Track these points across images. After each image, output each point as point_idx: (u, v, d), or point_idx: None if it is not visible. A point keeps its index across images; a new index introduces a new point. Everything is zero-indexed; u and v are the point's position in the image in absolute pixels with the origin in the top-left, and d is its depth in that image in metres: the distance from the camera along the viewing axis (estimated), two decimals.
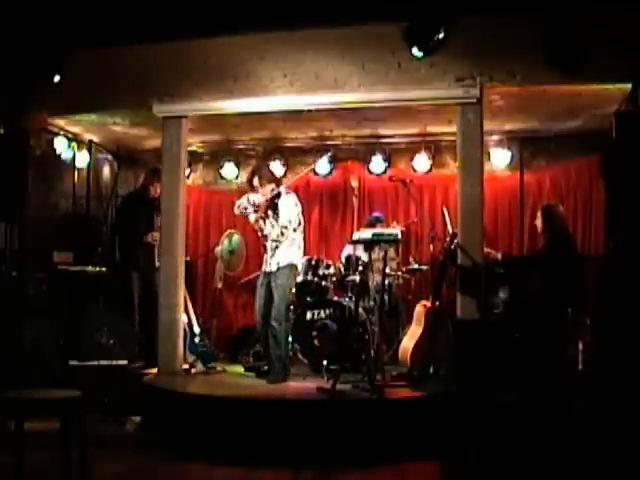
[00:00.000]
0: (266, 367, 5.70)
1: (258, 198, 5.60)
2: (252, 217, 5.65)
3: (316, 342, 5.78)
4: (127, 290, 6.33)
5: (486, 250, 5.44)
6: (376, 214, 6.71)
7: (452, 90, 5.28)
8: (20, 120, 5.78)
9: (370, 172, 7.24)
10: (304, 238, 5.81)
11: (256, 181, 5.61)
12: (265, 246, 5.61)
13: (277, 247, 5.48)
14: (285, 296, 5.46)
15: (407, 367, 5.38)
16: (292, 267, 5.52)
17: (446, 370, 5.06)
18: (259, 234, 5.67)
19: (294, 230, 5.50)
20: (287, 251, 5.49)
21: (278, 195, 5.54)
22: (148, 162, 7.34)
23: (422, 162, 7.06)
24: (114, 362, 5.52)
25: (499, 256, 5.50)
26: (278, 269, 5.44)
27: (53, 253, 6.18)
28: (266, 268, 5.55)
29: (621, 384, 4.04)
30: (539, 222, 5.46)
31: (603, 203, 5.58)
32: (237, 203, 5.76)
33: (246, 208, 5.68)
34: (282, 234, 5.45)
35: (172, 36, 5.51)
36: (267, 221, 5.53)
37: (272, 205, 5.51)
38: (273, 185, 5.58)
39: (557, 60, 4.66)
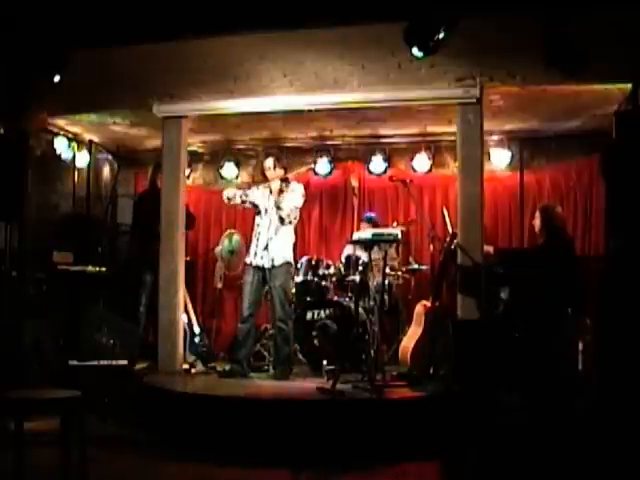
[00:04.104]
0: (266, 367, 5.72)
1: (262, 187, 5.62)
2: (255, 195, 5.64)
3: (316, 342, 5.78)
4: (138, 286, 6.36)
5: None
6: (368, 214, 6.70)
7: (452, 90, 5.28)
8: (20, 120, 5.78)
9: (370, 172, 7.24)
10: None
11: (270, 162, 5.55)
12: (256, 236, 5.56)
13: (271, 239, 5.46)
14: (287, 297, 5.50)
15: (407, 367, 5.38)
16: (289, 265, 5.53)
17: (446, 370, 5.06)
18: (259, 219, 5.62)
19: (290, 222, 5.50)
20: (282, 246, 5.48)
21: (287, 181, 5.56)
22: (148, 162, 7.34)
23: (422, 162, 7.06)
24: (114, 362, 5.52)
25: (491, 250, 5.48)
26: (273, 267, 5.42)
27: (53, 253, 6.18)
28: (257, 262, 5.49)
29: (621, 384, 4.04)
30: (537, 222, 5.46)
31: (603, 203, 5.58)
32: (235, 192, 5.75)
33: (247, 195, 5.68)
34: (282, 221, 5.43)
35: (172, 36, 5.50)
36: (267, 207, 5.53)
37: (278, 191, 5.48)
38: (283, 171, 5.59)
39: (557, 60, 4.65)
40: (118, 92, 5.91)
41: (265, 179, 5.63)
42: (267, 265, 5.45)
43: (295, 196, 5.54)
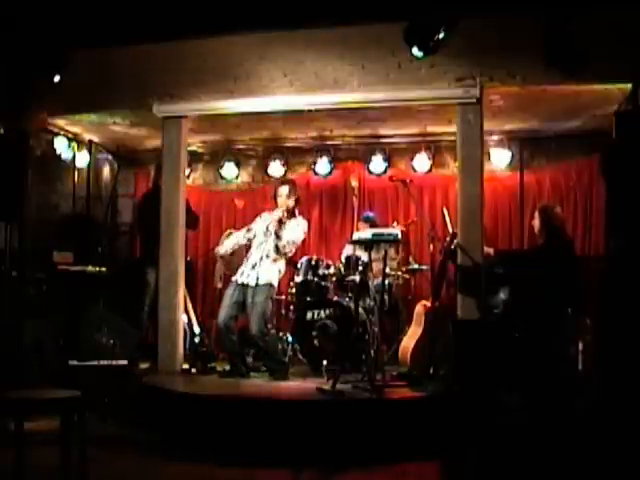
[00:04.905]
0: (264, 367, 5.71)
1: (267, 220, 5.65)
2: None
3: (316, 342, 5.78)
4: (142, 286, 6.35)
5: None
6: (367, 213, 6.71)
7: (452, 90, 5.28)
8: (20, 120, 5.78)
9: (370, 172, 7.24)
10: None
11: (285, 190, 5.57)
12: (247, 257, 5.63)
13: (261, 259, 5.50)
14: (265, 315, 5.44)
15: (407, 367, 5.38)
16: (271, 287, 5.52)
17: (446, 370, 5.06)
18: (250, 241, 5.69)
19: (284, 254, 5.56)
20: (269, 269, 5.51)
21: (294, 213, 5.62)
22: (148, 162, 7.35)
23: (422, 162, 7.06)
24: (114, 362, 5.52)
25: (491, 251, 5.48)
26: (257, 285, 5.44)
27: (53, 253, 6.18)
28: (242, 279, 5.52)
29: (621, 384, 4.04)
30: (536, 222, 5.46)
31: (603, 203, 5.58)
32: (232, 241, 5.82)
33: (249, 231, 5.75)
34: (277, 250, 5.48)
35: (172, 36, 5.51)
36: (267, 232, 5.57)
37: (279, 220, 5.50)
38: (294, 203, 5.63)
39: (557, 60, 4.65)
40: (118, 92, 5.91)
41: (275, 204, 5.64)
42: (252, 283, 5.46)
43: (298, 230, 5.59)
